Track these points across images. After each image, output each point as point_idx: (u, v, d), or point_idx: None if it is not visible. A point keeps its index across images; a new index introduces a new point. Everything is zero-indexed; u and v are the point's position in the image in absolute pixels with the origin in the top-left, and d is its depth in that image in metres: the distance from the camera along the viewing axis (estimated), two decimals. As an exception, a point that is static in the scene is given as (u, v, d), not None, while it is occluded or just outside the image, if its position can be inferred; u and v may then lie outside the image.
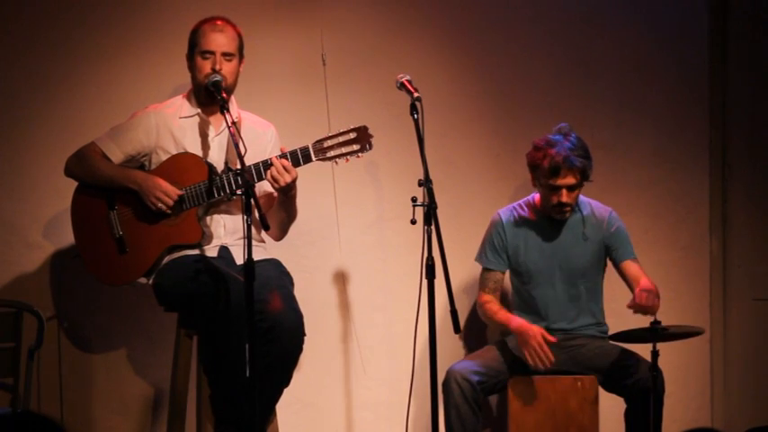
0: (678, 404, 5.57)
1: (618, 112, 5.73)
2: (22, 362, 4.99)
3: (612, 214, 5.19)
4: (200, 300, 4.58)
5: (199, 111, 4.86)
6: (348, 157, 4.71)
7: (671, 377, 5.03)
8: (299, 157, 4.68)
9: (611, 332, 5.03)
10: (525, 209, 5.20)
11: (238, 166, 4.46)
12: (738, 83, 5.78)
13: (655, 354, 4.73)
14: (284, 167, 4.63)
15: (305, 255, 5.42)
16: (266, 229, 4.47)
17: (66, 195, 4.90)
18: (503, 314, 5.11)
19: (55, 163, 4.99)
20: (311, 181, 5.12)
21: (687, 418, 5.62)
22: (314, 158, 4.70)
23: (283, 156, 4.67)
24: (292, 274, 4.85)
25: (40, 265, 5.32)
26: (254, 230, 4.50)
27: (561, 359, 5.08)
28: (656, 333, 4.67)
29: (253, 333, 4.28)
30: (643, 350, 4.90)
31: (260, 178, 4.67)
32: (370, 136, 4.72)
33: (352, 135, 4.70)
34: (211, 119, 4.86)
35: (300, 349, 4.67)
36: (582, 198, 5.15)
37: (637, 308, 4.85)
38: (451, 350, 5.46)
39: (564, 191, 5.01)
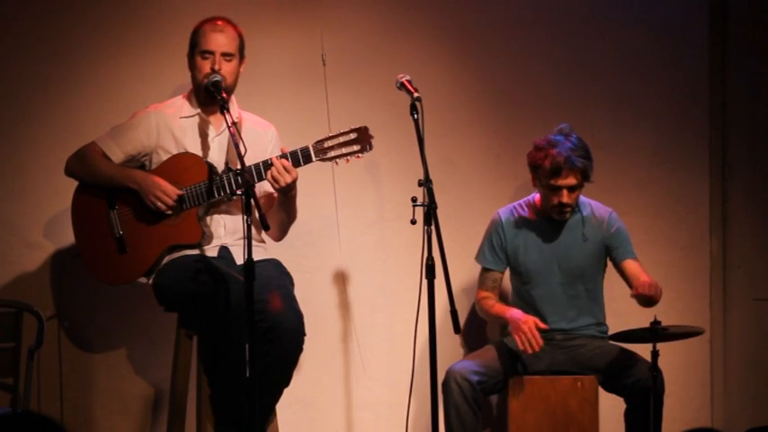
0: (678, 404, 5.57)
1: (618, 112, 5.73)
2: (22, 362, 4.99)
3: (612, 215, 5.19)
4: (200, 300, 4.58)
5: (199, 111, 4.86)
6: (348, 157, 4.71)
7: (671, 377, 5.03)
8: (299, 158, 4.68)
9: (611, 332, 5.04)
10: (525, 209, 5.20)
11: (239, 167, 4.46)
12: (738, 83, 5.78)
13: (655, 354, 4.73)
14: (285, 168, 4.63)
15: (305, 255, 5.42)
16: (266, 229, 4.47)
17: (66, 195, 4.90)
18: (499, 307, 5.12)
19: (55, 162, 4.99)
20: (311, 181, 5.12)
21: (687, 418, 5.62)
22: (314, 159, 4.70)
23: (284, 156, 4.67)
24: (292, 274, 4.85)
25: (41, 265, 5.32)
26: (254, 231, 4.50)
27: (561, 359, 5.08)
28: (656, 333, 4.67)
29: (253, 333, 4.28)
30: (643, 350, 4.90)
31: (260, 178, 4.67)
32: (371, 137, 4.72)
33: (353, 135, 4.70)
34: (212, 119, 4.86)
35: (300, 349, 4.67)
36: (582, 198, 5.15)
37: (639, 297, 4.84)
38: (451, 350, 5.46)
39: (565, 191, 5.01)
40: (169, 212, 4.73)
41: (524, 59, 5.67)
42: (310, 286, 5.35)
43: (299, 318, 4.64)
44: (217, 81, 4.70)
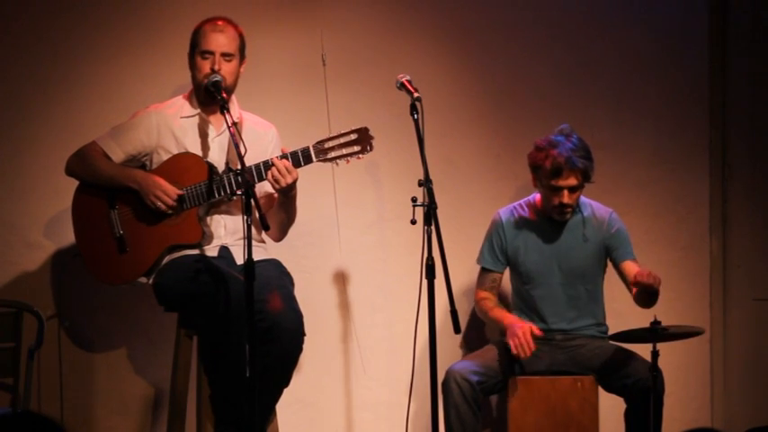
0: (678, 404, 5.57)
1: (618, 112, 5.73)
2: (22, 362, 5.00)
3: (613, 215, 5.19)
4: (201, 300, 4.59)
5: (199, 111, 4.86)
6: (349, 158, 4.71)
7: (671, 377, 5.03)
8: (299, 158, 4.68)
9: (611, 332, 5.04)
10: (526, 209, 5.20)
11: (239, 167, 4.46)
12: (738, 83, 5.78)
13: (655, 354, 4.73)
14: (285, 168, 4.63)
15: (305, 255, 5.42)
16: (266, 229, 4.47)
17: (66, 195, 4.90)
18: (497, 311, 5.12)
19: (55, 162, 5.00)
20: (311, 181, 5.12)
21: (687, 418, 5.62)
22: (315, 159, 4.70)
23: (284, 156, 4.67)
24: (292, 274, 4.85)
25: (41, 265, 5.32)
26: (254, 231, 4.50)
27: (561, 359, 5.08)
28: (656, 333, 4.67)
29: (253, 333, 4.28)
30: (643, 350, 4.90)
31: (260, 179, 4.67)
32: (371, 137, 4.72)
33: (353, 136, 4.71)
34: (212, 119, 4.86)
35: (300, 349, 4.67)
36: (583, 199, 5.15)
37: (638, 285, 4.84)
38: (451, 350, 5.46)
39: (565, 192, 5.01)
40: (169, 212, 4.73)
41: (524, 59, 5.67)
42: (310, 286, 5.35)
43: (298, 318, 4.65)
44: (217, 81, 4.70)
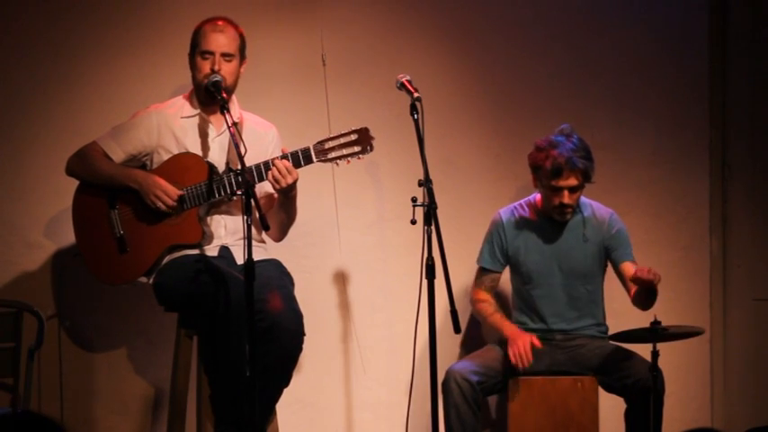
0: (678, 404, 5.57)
1: (618, 112, 5.72)
2: (22, 362, 5.00)
3: (614, 216, 5.19)
4: (201, 300, 4.59)
5: (200, 111, 4.86)
6: (349, 158, 4.71)
7: (671, 377, 5.03)
8: (299, 159, 4.68)
9: (611, 332, 5.04)
10: (526, 209, 5.20)
11: (239, 167, 4.46)
12: (738, 83, 5.78)
13: (655, 354, 4.73)
14: (286, 168, 4.63)
15: (305, 255, 5.42)
16: (266, 229, 4.47)
17: (66, 195, 4.90)
18: (497, 318, 5.12)
19: (55, 162, 5.00)
20: (312, 181, 5.12)
21: (687, 418, 5.62)
22: (315, 160, 4.70)
23: (284, 157, 4.67)
24: (292, 274, 4.85)
25: (41, 265, 5.32)
26: (254, 231, 4.50)
27: (561, 359, 5.08)
28: (656, 333, 4.67)
29: (253, 333, 4.28)
30: (643, 350, 4.90)
31: (261, 179, 4.67)
32: (372, 138, 4.72)
33: (354, 137, 4.70)
34: (212, 119, 4.86)
35: (300, 349, 4.67)
36: (583, 199, 5.15)
37: (637, 281, 4.83)
38: (451, 350, 5.46)
39: (566, 192, 5.01)
40: (170, 212, 4.73)
41: (524, 59, 5.67)
42: (310, 286, 5.35)
43: (298, 318, 4.65)
44: (217, 81, 4.70)
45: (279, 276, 4.75)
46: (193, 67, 4.81)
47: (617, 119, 5.72)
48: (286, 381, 4.70)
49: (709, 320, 5.72)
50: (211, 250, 4.78)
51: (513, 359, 4.93)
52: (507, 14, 5.66)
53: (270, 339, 4.55)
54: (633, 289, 5.02)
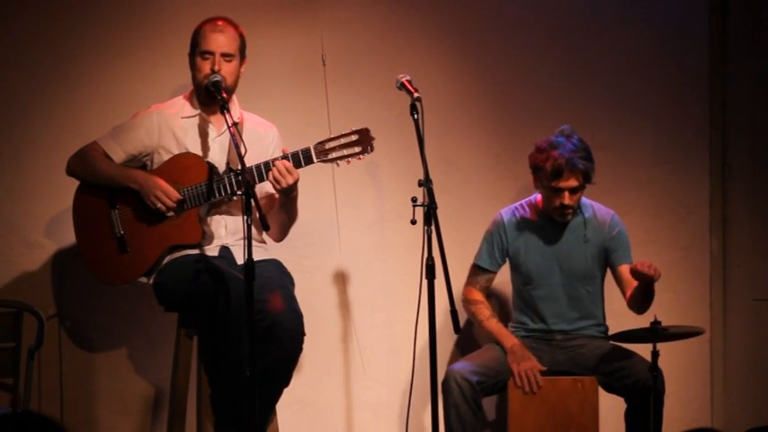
0: (678, 404, 5.57)
1: (618, 112, 5.72)
2: (22, 362, 5.00)
3: (615, 218, 5.18)
4: (201, 300, 4.59)
5: (200, 111, 4.86)
6: (349, 159, 4.71)
7: (671, 377, 5.03)
8: (300, 159, 4.68)
9: (611, 332, 5.04)
10: (527, 209, 5.20)
11: (239, 167, 4.46)
12: (738, 83, 5.78)
13: (655, 354, 4.72)
14: (286, 169, 4.63)
15: (305, 255, 5.42)
16: (266, 229, 4.47)
17: (66, 195, 4.90)
18: (494, 325, 5.10)
19: (55, 162, 5.00)
20: (312, 181, 5.12)
21: (687, 418, 5.62)
22: (315, 160, 4.69)
23: (285, 157, 4.67)
24: (293, 274, 4.85)
25: (41, 265, 5.32)
26: (254, 231, 4.50)
27: (561, 359, 5.08)
28: (656, 333, 4.67)
29: (253, 333, 4.28)
30: (643, 350, 4.90)
31: (261, 179, 4.66)
32: (372, 138, 4.71)
33: (354, 137, 4.70)
34: (213, 119, 4.86)
35: (300, 349, 4.67)
36: (584, 200, 5.15)
37: (637, 275, 4.82)
38: (451, 350, 5.46)
39: (566, 193, 5.00)
40: (170, 213, 4.73)
41: (524, 59, 5.67)
42: (310, 286, 5.35)
43: (298, 318, 4.65)
44: (217, 81, 4.70)
45: (279, 276, 4.75)
46: (193, 67, 4.81)
47: (617, 119, 5.72)
48: (286, 381, 4.70)
49: (709, 320, 5.72)
50: (212, 250, 4.78)
51: (519, 382, 4.92)
52: (507, 14, 5.66)
53: (270, 339, 4.55)
54: (629, 291, 5.02)
